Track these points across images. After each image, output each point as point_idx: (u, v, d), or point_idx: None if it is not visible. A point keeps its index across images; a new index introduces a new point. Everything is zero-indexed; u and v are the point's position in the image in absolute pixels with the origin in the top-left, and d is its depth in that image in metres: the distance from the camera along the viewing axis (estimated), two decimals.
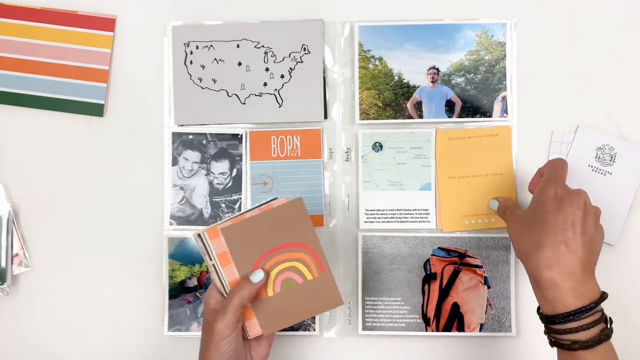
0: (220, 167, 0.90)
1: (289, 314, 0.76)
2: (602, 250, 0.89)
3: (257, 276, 0.74)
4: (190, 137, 0.90)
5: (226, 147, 0.90)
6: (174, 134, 0.90)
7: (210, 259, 0.74)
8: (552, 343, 0.72)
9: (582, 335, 0.69)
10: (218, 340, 0.71)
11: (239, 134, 0.90)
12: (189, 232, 0.90)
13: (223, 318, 0.71)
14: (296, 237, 0.76)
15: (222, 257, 0.74)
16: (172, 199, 0.90)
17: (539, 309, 0.73)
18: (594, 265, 0.72)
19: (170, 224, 0.90)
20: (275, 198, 0.78)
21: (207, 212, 0.90)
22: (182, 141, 0.90)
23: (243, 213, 0.76)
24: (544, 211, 0.73)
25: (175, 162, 0.91)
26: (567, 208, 0.72)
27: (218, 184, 0.91)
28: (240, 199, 0.90)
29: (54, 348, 0.91)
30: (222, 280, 0.74)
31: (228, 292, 0.74)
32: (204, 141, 0.90)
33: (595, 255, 0.73)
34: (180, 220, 0.90)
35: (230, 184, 0.90)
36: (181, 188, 0.91)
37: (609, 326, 0.71)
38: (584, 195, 0.73)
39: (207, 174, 0.91)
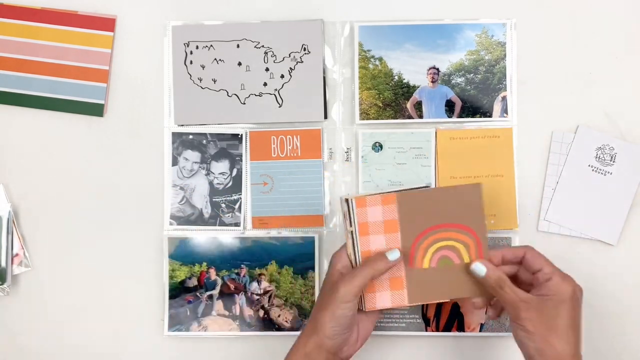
0: (221, 167, 0.90)
1: (438, 291, 0.77)
2: (603, 250, 0.89)
3: (394, 255, 0.75)
4: (191, 137, 0.90)
5: (226, 147, 0.90)
6: (174, 134, 0.90)
7: (351, 226, 0.76)
8: None
9: None
10: (338, 302, 0.72)
11: (239, 134, 0.90)
12: (189, 232, 0.90)
13: (350, 282, 0.73)
14: (465, 220, 0.76)
15: (363, 227, 0.76)
16: (172, 199, 0.90)
17: None
18: None
19: (171, 224, 0.90)
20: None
21: (207, 212, 0.90)
22: (182, 141, 0.90)
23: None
24: (571, 314, 0.71)
25: (175, 162, 0.90)
26: (581, 305, 0.73)
27: (218, 184, 0.90)
28: (240, 198, 0.90)
29: (54, 348, 0.91)
30: (356, 248, 0.76)
31: (359, 261, 0.75)
32: (204, 141, 0.90)
33: None
34: (181, 220, 0.90)
35: (230, 184, 0.90)
36: (181, 188, 0.91)
37: None
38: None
39: (207, 174, 0.90)
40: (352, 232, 0.76)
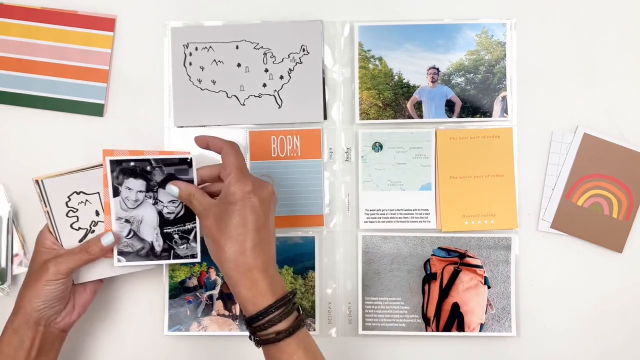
0: (169, 194, 0.81)
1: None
2: (607, 256, 0.89)
3: (107, 239, 0.79)
4: (132, 164, 0.80)
5: (174, 172, 0.81)
6: (111, 162, 0.80)
7: (46, 206, 0.80)
8: (258, 343, 0.73)
9: (283, 325, 0.71)
10: (46, 280, 0.76)
11: (187, 158, 0.81)
12: (139, 267, 0.84)
13: (63, 264, 0.77)
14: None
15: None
16: (119, 233, 0.82)
17: (244, 316, 0.73)
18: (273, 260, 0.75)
19: (119, 260, 0.81)
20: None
21: (158, 245, 0.82)
22: (122, 169, 0.80)
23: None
24: (241, 214, 0.72)
25: (116, 192, 0.81)
26: (266, 206, 0.74)
27: (169, 213, 0.82)
28: (195, 227, 0.83)
29: None
30: (54, 227, 0.81)
31: (60, 238, 0.81)
32: (148, 167, 0.81)
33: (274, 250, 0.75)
34: (130, 256, 0.82)
35: (182, 212, 0.82)
36: (127, 221, 0.81)
37: (300, 313, 0.74)
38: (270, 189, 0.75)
39: (155, 203, 0.82)
40: (47, 212, 0.80)
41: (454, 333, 0.89)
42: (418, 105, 0.90)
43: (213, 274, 0.90)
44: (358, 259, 0.89)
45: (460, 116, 0.89)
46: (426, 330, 0.89)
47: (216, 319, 0.90)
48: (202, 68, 0.90)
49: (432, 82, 0.89)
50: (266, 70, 0.89)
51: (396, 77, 0.90)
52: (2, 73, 0.90)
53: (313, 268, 0.89)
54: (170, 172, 0.81)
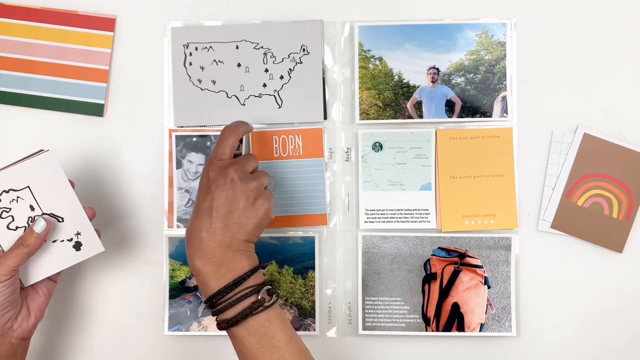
0: None
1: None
2: (608, 255, 0.89)
3: (39, 225, 0.75)
4: (194, 139, 0.90)
5: None
6: (177, 137, 0.90)
7: None
8: (218, 327, 0.72)
9: (229, 314, 0.70)
10: None
11: None
12: None
13: (3, 264, 0.73)
14: None
15: None
16: (178, 202, 0.90)
17: None
18: (243, 242, 0.73)
19: (178, 226, 0.90)
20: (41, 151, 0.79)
21: None
22: (185, 143, 0.90)
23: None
24: (197, 197, 0.75)
25: (179, 165, 0.90)
26: (213, 192, 0.73)
27: None
28: None
29: (54, 348, 0.91)
30: None
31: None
32: (208, 143, 0.90)
33: (247, 231, 0.73)
34: (188, 222, 0.89)
35: None
36: (186, 191, 0.90)
37: (264, 297, 0.71)
38: (230, 174, 0.73)
39: None
40: None
41: (454, 333, 0.89)
42: (418, 105, 0.90)
43: None
44: (358, 259, 0.89)
45: (460, 116, 0.89)
46: (426, 330, 0.89)
47: None
48: (202, 68, 0.90)
49: (432, 82, 0.89)
50: (266, 70, 0.89)
51: (396, 77, 0.90)
52: (2, 73, 0.90)
53: (313, 268, 0.89)
54: None
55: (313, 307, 0.89)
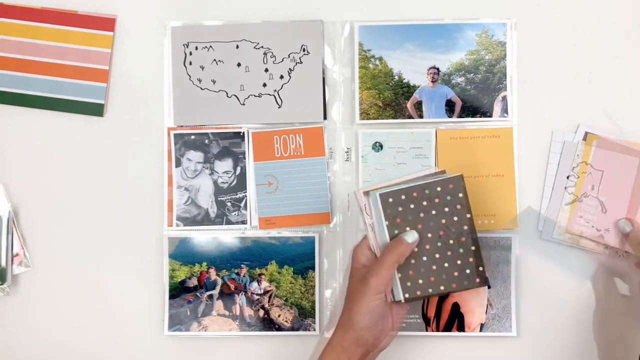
0: (224, 165, 0.90)
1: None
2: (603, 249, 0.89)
3: (411, 236, 0.77)
4: (193, 137, 0.90)
5: (229, 145, 0.90)
6: (175, 135, 0.90)
7: (370, 217, 0.79)
8: None
9: None
10: (372, 294, 0.75)
11: (241, 132, 0.90)
12: (194, 233, 0.90)
13: (378, 274, 0.75)
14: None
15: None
16: (178, 200, 0.90)
17: None
18: None
19: (177, 225, 0.90)
20: (443, 171, 0.83)
21: (213, 211, 0.90)
22: (184, 142, 0.90)
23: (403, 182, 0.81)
24: None
25: (178, 163, 0.90)
26: None
27: (223, 182, 0.90)
28: (246, 196, 0.90)
29: (54, 348, 0.91)
30: (378, 240, 0.79)
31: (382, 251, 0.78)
32: (206, 141, 0.90)
33: None
34: (187, 221, 0.90)
35: (234, 182, 0.90)
36: (186, 189, 0.90)
37: None
38: None
39: (211, 174, 0.90)
40: (371, 224, 0.79)
41: (454, 333, 0.89)
42: (418, 105, 0.89)
43: (213, 274, 0.90)
44: None
45: (460, 116, 0.89)
46: (426, 330, 0.89)
47: (216, 319, 0.90)
48: (202, 67, 0.90)
49: (432, 82, 0.89)
50: (266, 70, 0.89)
51: (396, 77, 0.90)
52: (2, 73, 0.90)
53: (313, 268, 0.89)
54: (225, 145, 0.90)
55: (313, 307, 0.89)
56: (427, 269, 0.79)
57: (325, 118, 0.90)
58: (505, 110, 0.89)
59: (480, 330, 0.89)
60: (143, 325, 0.91)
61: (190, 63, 0.90)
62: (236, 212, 0.90)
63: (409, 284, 0.79)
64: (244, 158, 0.90)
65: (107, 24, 0.91)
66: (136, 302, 0.91)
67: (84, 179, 0.91)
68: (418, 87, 0.89)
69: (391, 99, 0.89)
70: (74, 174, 0.91)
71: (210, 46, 0.90)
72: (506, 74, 0.89)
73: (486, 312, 0.89)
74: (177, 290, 0.90)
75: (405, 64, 0.89)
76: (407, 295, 0.79)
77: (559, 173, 0.89)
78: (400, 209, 0.79)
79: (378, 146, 0.90)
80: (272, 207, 0.89)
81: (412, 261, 0.79)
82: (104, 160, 0.91)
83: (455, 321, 0.89)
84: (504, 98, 0.89)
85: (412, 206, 0.79)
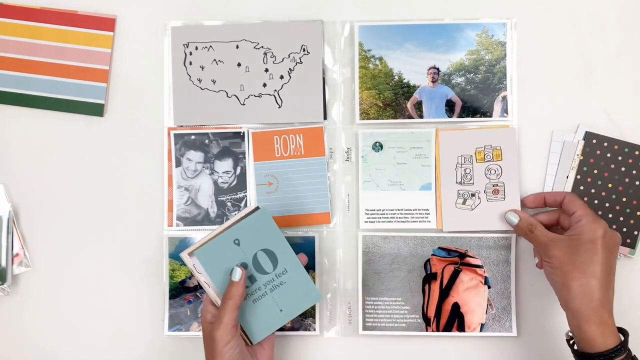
0: (224, 165, 0.90)
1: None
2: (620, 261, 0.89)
3: (236, 274, 0.77)
4: (193, 137, 0.90)
5: (229, 145, 0.90)
6: (175, 135, 0.90)
7: (201, 274, 0.78)
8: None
9: None
10: (221, 347, 0.74)
11: (241, 132, 0.90)
12: (194, 233, 0.90)
13: (220, 324, 0.74)
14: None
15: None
16: (178, 200, 0.90)
17: (572, 344, 0.79)
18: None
19: (177, 225, 0.90)
20: (255, 208, 0.80)
21: (213, 211, 0.90)
22: (184, 142, 0.90)
23: (217, 230, 0.79)
24: (597, 253, 0.76)
25: (178, 163, 0.90)
26: (614, 252, 0.78)
27: (223, 182, 0.90)
28: (246, 196, 0.90)
29: (54, 348, 0.91)
30: (216, 293, 0.78)
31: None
32: (206, 141, 0.90)
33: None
34: (187, 221, 0.90)
35: (234, 182, 0.90)
36: (186, 189, 0.90)
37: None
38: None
39: (211, 174, 0.90)
40: (205, 281, 0.78)
41: (454, 333, 0.89)
42: (418, 105, 0.89)
43: None
44: (358, 259, 0.89)
45: (460, 116, 0.89)
46: (426, 330, 0.89)
47: None
48: (202, 67, 0.90)
49: (432, 82, 0.89)
50: (266, 70, 0.89)
51: (396, 77, 0.90)
52: (2, 73, 0.90)
53: (313, 268, 0.89)
54: (225, 145, 0.90)
55: (313, 307, 0.89)
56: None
57: (325, 118, 0.90)
58: (505, 110, 0.89)
59: (481, 331, 0.89)
60: (143, 325, 0.91)
61: (190, 63, 0.90)
62: (236, 212, 0.90)
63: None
64: (244, 158, 0.90)
65: (107, 24, 0.91)
66: (136, 302, 0.91)
67: (84, 179, 0.91)
68: (418, 87, 0.89)
69: (391, 99, 0.89)
70: (74, 174, 0.91)
71: (210, 46, 0.90)
72: (506, 74, 0.89)
73: (486, 312, 0.89)
74: (177, 290, 0.90)
75: (405, 64, 0.89)
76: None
77: (559, 173, 0.89)
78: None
79: (378, 146, 0.90)
80: (272, 207, 0.89)
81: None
82: (104, 160, 0.91)
83: (455, 321, 0.89)
84: (504, 98, 0.89)
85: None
